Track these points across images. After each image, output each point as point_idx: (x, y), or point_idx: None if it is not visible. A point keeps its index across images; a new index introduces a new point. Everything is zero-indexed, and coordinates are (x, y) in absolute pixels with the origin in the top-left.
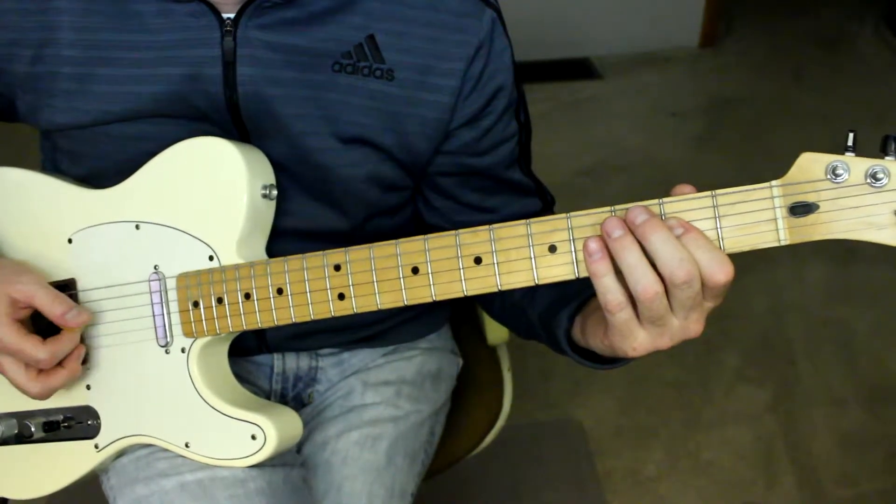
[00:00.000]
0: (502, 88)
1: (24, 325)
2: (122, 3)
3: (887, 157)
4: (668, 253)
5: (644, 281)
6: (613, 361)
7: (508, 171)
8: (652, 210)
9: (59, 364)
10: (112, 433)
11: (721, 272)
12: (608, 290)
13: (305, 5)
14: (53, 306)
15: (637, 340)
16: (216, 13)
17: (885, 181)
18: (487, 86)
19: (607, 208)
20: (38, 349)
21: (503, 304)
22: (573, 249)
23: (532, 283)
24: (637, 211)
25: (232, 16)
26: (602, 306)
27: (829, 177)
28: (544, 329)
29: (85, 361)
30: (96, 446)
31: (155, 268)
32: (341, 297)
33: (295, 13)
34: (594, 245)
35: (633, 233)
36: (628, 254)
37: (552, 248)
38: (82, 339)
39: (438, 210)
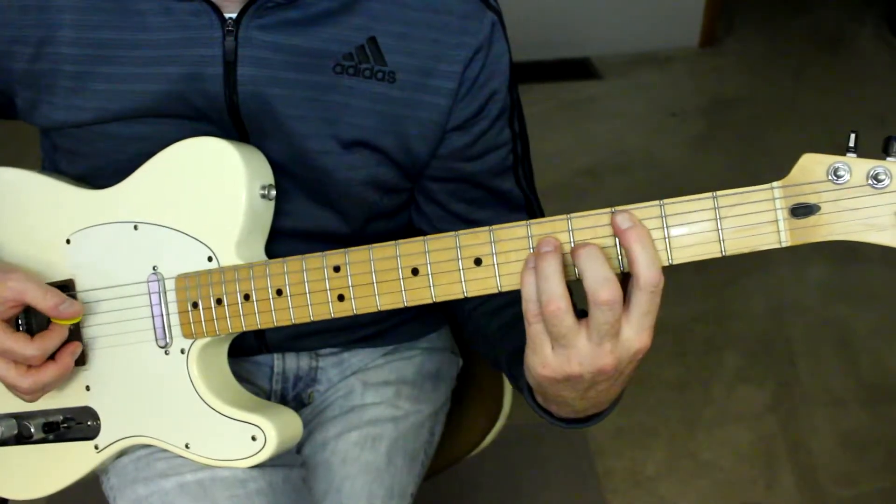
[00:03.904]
0: (497, 92)
1: (10, 325)
2: (123, 1)
3: (889, 159)
4: (593, 272)
5: (548, 293)
6: (577, 421)
7: (497, 179)
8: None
9: (51, 359)
10: (112, 434)
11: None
12: (528, 299)
13: (307, 6)
14: (46, 299)
15: (546, 357)
16: (218, 12)
17: (886, 182)
18: (483, 89)
19: (607, 209)
20: (26, 346)
21: (476, 332)
22: None
23: None
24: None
25: (234, 15)
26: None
27: (830, 178)
28: (510, 368)
29: (84, 362)
30: (96, 447)
31: (153, 269)
32: (341, 298)
33: (297, 14)
34: (527, 257)
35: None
36: (546, 265)
37: None
38: (81, 340)
39: (426, 215)
